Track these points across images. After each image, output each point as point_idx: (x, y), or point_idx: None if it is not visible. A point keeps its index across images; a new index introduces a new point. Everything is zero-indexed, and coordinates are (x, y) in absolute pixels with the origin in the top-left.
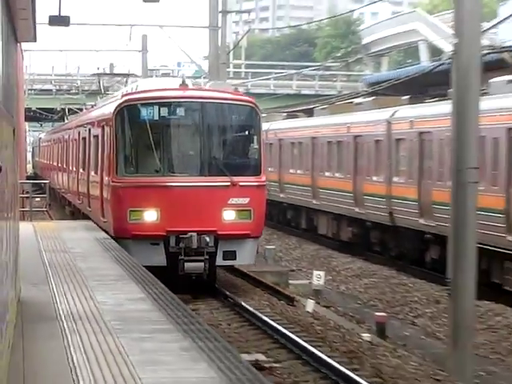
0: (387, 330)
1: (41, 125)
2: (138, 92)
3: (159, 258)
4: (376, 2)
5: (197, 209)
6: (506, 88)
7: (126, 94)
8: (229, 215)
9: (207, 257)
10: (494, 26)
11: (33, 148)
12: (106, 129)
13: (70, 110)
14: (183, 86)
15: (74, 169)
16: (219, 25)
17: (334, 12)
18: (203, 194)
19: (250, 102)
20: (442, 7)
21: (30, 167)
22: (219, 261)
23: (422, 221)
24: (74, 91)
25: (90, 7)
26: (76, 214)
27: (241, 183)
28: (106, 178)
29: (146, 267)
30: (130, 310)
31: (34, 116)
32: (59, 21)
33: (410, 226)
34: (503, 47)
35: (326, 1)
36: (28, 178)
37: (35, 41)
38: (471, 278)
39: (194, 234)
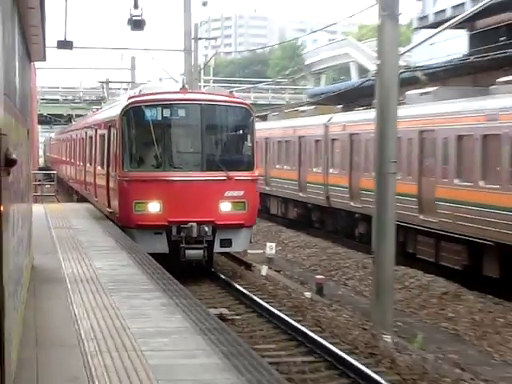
0: (325, 289)
1: (50, 127)
2: (143, 95)
3: (162, 246)
4: (316, 32)
5: (196, 201)
6: (419, 99)
7: (132, 97)
8: (225, 207)
9: (206, 245)
10: (408, 51)
11: (44, 145)
12: (113, 129)
13: (75, 115)
14: (183, 89)
15: (82, 163)
16: (192, 49)
17: (283, 39)
18: (202, 187)
19: (245, 104)
20: (369, 35)
21: (41, 161)
22: (216, 248)
23: (352, 203)
24: (77, 100)
25: (90, 32)
26: (82, 201)
27: (236, 177)
28: (112, 173)
29: (150, 254)
30: (121, 273)
31: (45, 120)
32: (65, 45)
33: (343, 208)
34: (416, 67)
35: (277, 30)
36: (40, 169)
37: (45, 60)
38: (391, 248)
39: (194, 224)
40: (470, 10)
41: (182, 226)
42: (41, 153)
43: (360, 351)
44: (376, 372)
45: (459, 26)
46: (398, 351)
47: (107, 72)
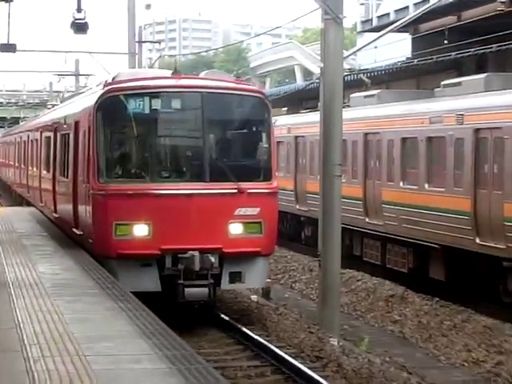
0: (271, 293)
1: None
2: (124, 81)
3: (152, 283)
4: (260, 35)
5: (198, 222)
6: (363, 102)
7: (109, 84)
8: (235, 229)
9: (212, 280)
10: (352, 54)
11: None
12: (83, 127)
13: (23, 117)
14: (176, 73)
15: (35, 169)
16: (136, 52)
17: (227, 42)
18: (205, 203)
19: (259, 93)
20: (313, 39)
21: None
22: (224, 284)
23: (297, 206)
24: (20, 103)
25: (34, 35)
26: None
27: (249, 190)
28: (83, 185)
29: (135, 293)
30: (65, 277)
31: None
32: (8, 48)
33: (289, 211)
34: (360, 70)
35: (221, 33)
36: None
37: None
38: (337, 251)
39: (196, 252)
40: (412, 13)
41: (179, 255)
42: None
43: (306, 355)
44: (322, 376)
45: (402, 29)
46: (344, 354)
47: (50, 76)
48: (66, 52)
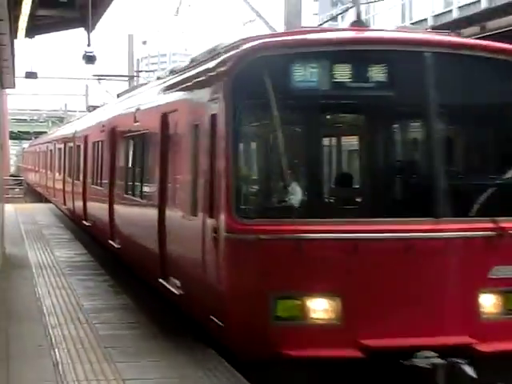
0: None
1: (20, 141)
2: (281, 34)
3: None
4: None
5: (427, 292)
6: None
7: (249, 40)
8: (491, 304)
9: None
10: None
11: (17, 156)
12: (186, 122)
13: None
14: (359, 25)
15: (60, 174)
16: (135, 79)
17: None
18: (440, 256)
19: None
20: None
21: (12, 169)
22: None
23: None
24: (41, 120)
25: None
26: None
27: None
28: (187, 219)
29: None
30: (77, 260)
31: (15, 136)
32: (31, 75)
33: None
34: None
35: None
36: (11, 175)
37: (14, 87)
38: None
39: (436, 357)
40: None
41: (400, 360)
42: (12, 162)
43: None
44: None
45: None
46: None
47: (65, 97)
48: (78, 79)
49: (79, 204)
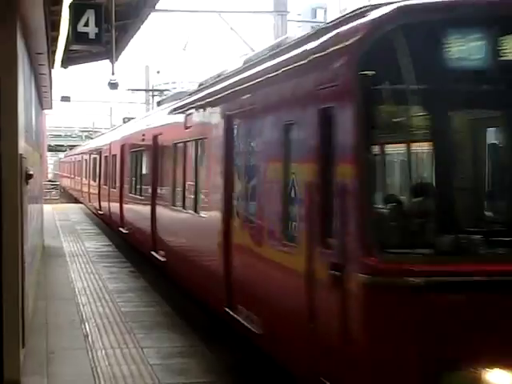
0: None
1: (56, 153)
2: None
3: None
4: None
5: None
6: None
7: (378, 6)
8: None
9: None
10: None
11: (54, 165)
12: (284, 118)
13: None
14: None
15: (94, 181)
16: (150, 104)
17: None
18: None
19: None
20: None
21: (50, 175)
22: None
23: None
24: (73, 135)
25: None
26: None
27: None
28: (290, 247)
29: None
30: (103, 250)
31: (52, 148)
32: (65, 99)
33: None
34: None
35: None
36: (49, 181)
37: (52, 109)
38: None
39: None
40: None
41: None
42: (49, 170)
43: None
44: None
45: None
46: None
47: (93, 117)
48: (104, 102)
49: (115, 211)
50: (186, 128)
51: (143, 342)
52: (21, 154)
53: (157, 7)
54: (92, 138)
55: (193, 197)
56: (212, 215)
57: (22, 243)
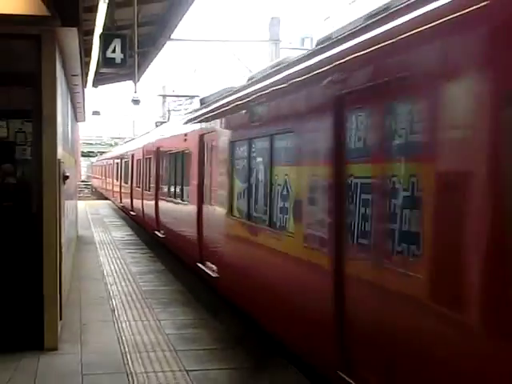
0: None
1: (88, 158)
2: None
3: None
4: None
5: None
6: None
7: None
8: None
9: None
10: None
11: (87, 168)
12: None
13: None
14: None
15: (125, 182)
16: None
17: None
18: None
19: None
20: None
21: (83, 177)
22: None
23: None
24: (102, 143)
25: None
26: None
27: None
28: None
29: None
30: (126, 239)
31: (84, 154)
32: (96, 113)
33: None
34: None
35: None
36: (82, 181)
37: (85, 121)
38: None
39: None
40: None
41: None
42: (83, 172)
43: None
44: None
45: None
46: None
47: (118, 127)
48: (127, 116)
49: (150, 213)
50: (251, 122)
51: (160, 316)
52: (59, 159)
53: (171, 37)
54: (117, 145)
55: (261, 205)
56: (280, 228)
57: (60, 232)
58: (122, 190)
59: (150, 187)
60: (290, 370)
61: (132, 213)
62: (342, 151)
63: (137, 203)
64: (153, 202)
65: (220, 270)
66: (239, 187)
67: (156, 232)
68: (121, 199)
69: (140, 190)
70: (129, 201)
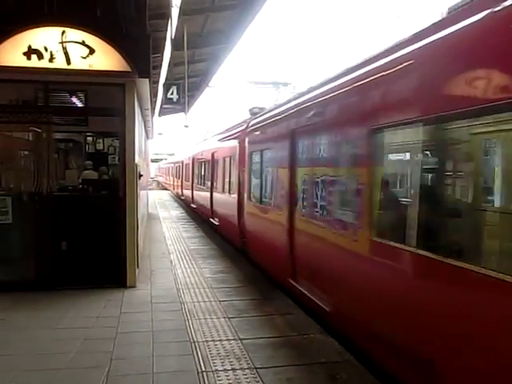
0: None
1: (155, 162)
2: None
3: None
4: None
5: None
6: None
7: None
8: None
9: None
10: None
11: (154, 169)
12: None
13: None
14: None
15: (190, 182)
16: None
17: None
18: None
19: None
20: None
21: (152, 175)
22: None
23: None
24: (164, 153)
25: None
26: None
27: None
28: None
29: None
30: (182, 216)
31: (153, 160)
32: (160, 134)
33: None
34: None
35: None
36: (151, 178)
37: (153, 139)
38: None
39: None
40: None
41: None
42: (152, 172)
43: None
44: None
45: None
46: None
47: (173, 145)
48: (181, 136)
49: (205, 204)
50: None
51: (202, 265)
52: (136, 164)
53: (209, 84)
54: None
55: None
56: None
57: (137, 210)
58: (184, 186)
59: (204, 183)
60: (288, 301)
61: (193, 205)
62: (294, 160)
63: (196, 195)
64: (208, 194)
65: (249, 235)
66: (254, 181)
67: (210, 219)
68: (182, 193)
69: (198, 185)
70: (190, 194)
